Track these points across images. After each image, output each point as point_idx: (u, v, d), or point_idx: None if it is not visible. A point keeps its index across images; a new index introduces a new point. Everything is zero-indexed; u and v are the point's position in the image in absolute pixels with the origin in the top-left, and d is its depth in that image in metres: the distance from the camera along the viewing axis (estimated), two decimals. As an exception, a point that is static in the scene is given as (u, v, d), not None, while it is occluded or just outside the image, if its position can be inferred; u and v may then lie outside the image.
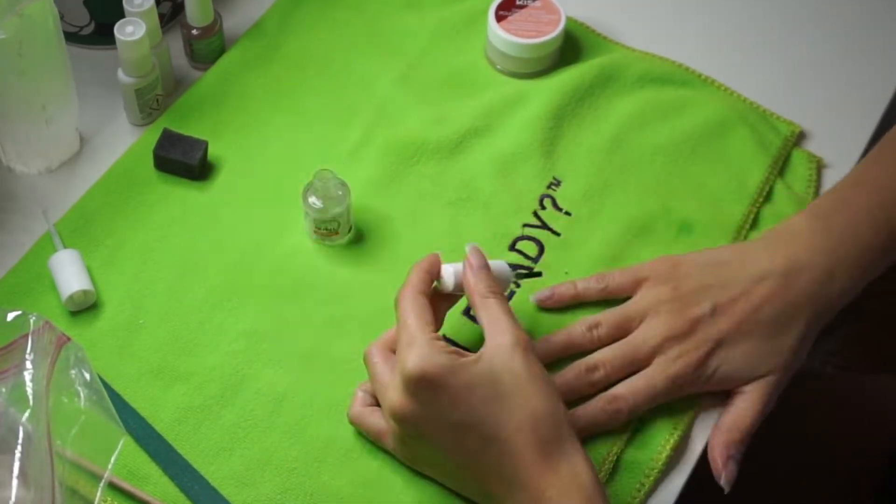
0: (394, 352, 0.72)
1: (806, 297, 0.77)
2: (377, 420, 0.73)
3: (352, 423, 0.75)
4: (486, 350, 0.68)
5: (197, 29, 0.92)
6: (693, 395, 0.78)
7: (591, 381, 0.76)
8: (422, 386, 0.67)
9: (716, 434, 0.76)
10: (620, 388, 0.76)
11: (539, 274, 0.81)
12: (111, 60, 0.91)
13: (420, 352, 0.67)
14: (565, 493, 0.66)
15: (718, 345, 0.76)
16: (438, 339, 0.69)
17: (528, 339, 0.69)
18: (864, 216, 0.79)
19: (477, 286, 0.72)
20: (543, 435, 0.67)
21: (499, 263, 0.76)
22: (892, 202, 0.80)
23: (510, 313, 0.70)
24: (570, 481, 0.66)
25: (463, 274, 0.73)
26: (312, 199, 0.81)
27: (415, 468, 0.74)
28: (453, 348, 0.68)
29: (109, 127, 0.91)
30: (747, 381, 0.77)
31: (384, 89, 0.93)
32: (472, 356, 0.68)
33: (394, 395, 0.69)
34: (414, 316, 0.70)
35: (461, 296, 0.75)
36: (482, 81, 0.94)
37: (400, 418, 0.69)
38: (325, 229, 0.82)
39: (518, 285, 0.83)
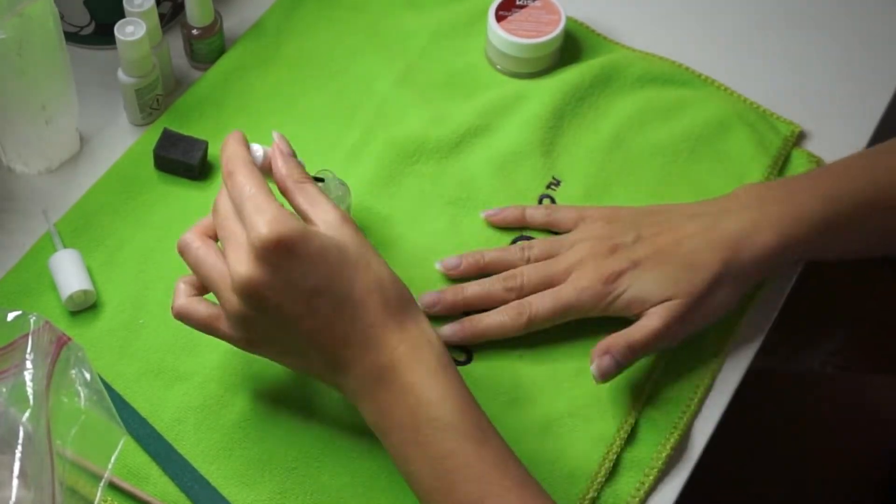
0: (212, 238, 0.71)
1: (727, 239, 0.79)
2: (205, 308, 0.71)
3: (177, 316, 0.72)
4: (319, 228, 0.69)
5: (197, 29, 0.92)
6: (686, 392, 0.78)
7: (507, 287, 0.79)
8: (279, 251, 0.66)
9: (605, 338, 0.77)
10: (528, 297, 0.79)
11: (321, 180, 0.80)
12: (111, 60, 0.91)
13: (274, 216, 0.66)
14: (416, 348, 0.68)
15: (633, 265, 0.78)
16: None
17: (351, 217, 0.70)
18: (806, 187, 0.81)
19: (290, 172, 0.71)
20: (391, 297, 0.69)
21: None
22: (843, 184, 0.80)
23: (327, 195, 0.71)
24: (419, 338, 0.68)
25: (272, 159, 0.72)
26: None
27: (251, 351, 0.72)
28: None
29: (109, 127, 0.91)
30: (653, 305, 0.77)
31: (384, 89, 0.93)
32: (316, 227, 0.69)
33: (241, 267, 0.66)
34: (255, 183, 0.68)
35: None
36: (482, 81, 0.94)
37: (251, 290, 0.67)
38: None
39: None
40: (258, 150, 0.73)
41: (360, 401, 0.70)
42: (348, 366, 0.69)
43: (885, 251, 0.84)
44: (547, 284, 0.79)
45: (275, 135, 0.73)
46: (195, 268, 0.71)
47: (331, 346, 0.69)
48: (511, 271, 0.80)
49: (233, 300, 0.68)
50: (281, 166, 0.72)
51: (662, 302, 0.77)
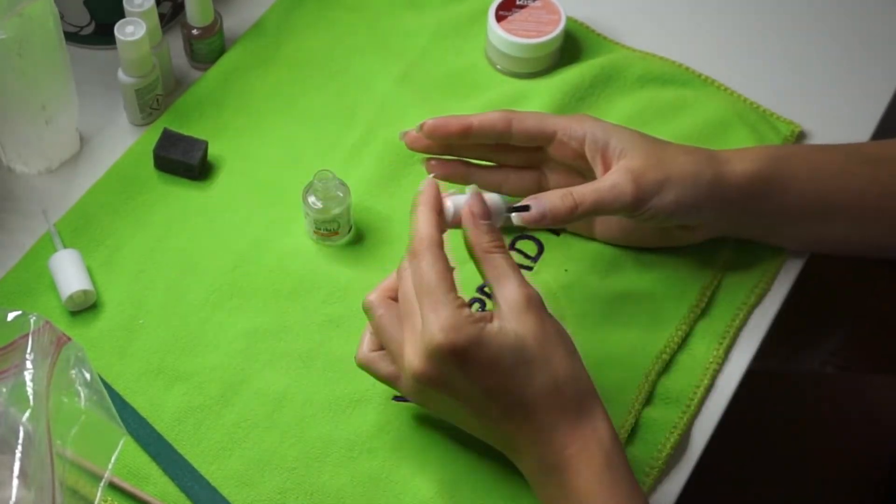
0: (394, 300, 0.71)
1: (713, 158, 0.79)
2: (388, 366, 0.72)
3: (360, 366, 0.74)
4: (502, 312, 0.68)
5: (197, 29, 0.92)
6: (686, 392, 0.78)
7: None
8: (449, 358, 0.66)
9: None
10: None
11: (526, 208, 0.76)
12: (111, 60, 0.91)
13: (449, 322, 0.66)
14: (585, 450, 0.67)
15: None
16: (463, 304, 0.67)
17: (538, 294, 0.69)
18: (753, 157, 0.80)
19: (479, 240, 0.70)
20: (566, 396, 0.68)
21: (493, 197, 0.73)
22: (790, 166, 0.80)
23: (516, 268, 0.69)
24: (590, 438, 0.67)
25: (464, 221, 0.71)
26: (312, 200, 0.81)
27: (429, 412, 0.74)
28: (478, 314, 0.67)
29: (109, 127, 0.91)
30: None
31: (384, 89, 0.93)
32: (495, 323, 0.67)
33: (415, 359, 0.67)
34: (437, 274, 0.67)
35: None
36: (482, 81, 0.94)
37: (422, 382, 0.68)
38: (325, 230, 0.82)
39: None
40: (450, 206, 0.71)
41: (532, 482, 0.70)
42: (518, 454, 0.70)
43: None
44: None
45: (469, 191, 0.71)
46: (377, 332, 0.72)
47: (501, 438, 0.70)
48: None
49: (409, 380, 0.69)
50: (472, 233, 0.70)
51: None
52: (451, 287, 0.67)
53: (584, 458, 0.67)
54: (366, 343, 0.74)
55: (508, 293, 0.68)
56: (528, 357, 0.67)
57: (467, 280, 0.82)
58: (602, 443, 0.67)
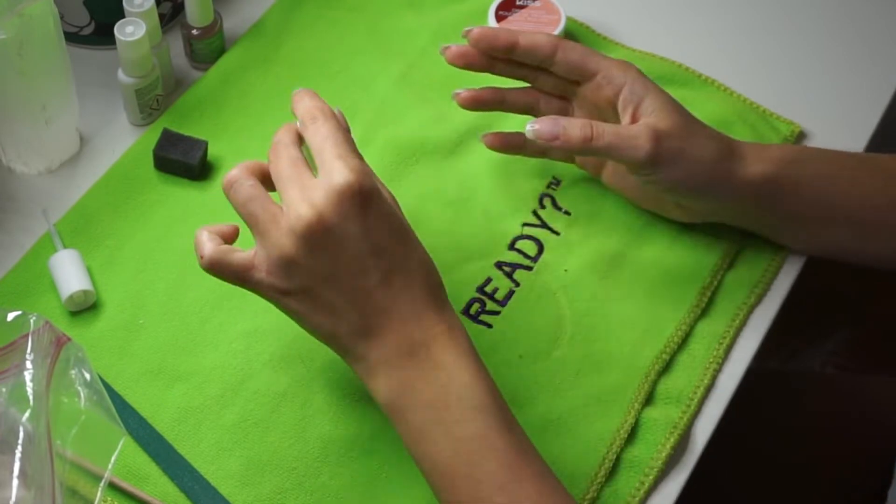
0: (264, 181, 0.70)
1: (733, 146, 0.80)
2: (240, 255, 0.69)
3: (209, 266, 0.69)
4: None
5: (197, 29, 0.92)
6: (686, 392, 0.78)
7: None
8: (356, 199, 0.66)
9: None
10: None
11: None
12: (111, 60, 0.91)
13: (360, 166, 0.67)
14: (452, 330, 0.68)
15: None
16: None
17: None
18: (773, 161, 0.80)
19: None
20: (435, 280, 0.70)
21: None
22: (805, 171, 0.81)
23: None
24: (454, 323, 0.69)
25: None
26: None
27: (282, 303, 0.69)
28: None
29: (109, 127, 0.91)
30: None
31: (384, 89, 0.93)
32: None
33: (309, 207, 0.65)
34: (344, 134, 0.69)
35: None
36: (482, 81, 0.94)
37: (316, 229, 0.66)
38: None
39: (518, 284, 0.83)
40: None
41: (380, 374, 0.68)
42: (379, 335, 0.68)
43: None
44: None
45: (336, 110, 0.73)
46: (245, 204, 0.68)
47: (370, 309, 0.68)
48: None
49: (285, 242, 0.66)
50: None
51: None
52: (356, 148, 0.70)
53: (452, 337, 0.68)
54: (206, 240, 0.70)
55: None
56: (411, 234, 0.70)
57: (467, 280, 0.83)
58: (464, 332, 0.69)
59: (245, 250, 0.69)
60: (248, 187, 0.68)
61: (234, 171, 0.70)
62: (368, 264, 0.67)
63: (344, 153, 0.67)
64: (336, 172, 0.66)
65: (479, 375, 0.68)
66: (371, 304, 0.68)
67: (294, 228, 0.66)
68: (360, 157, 0.69)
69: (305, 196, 0.66)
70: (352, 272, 0.67)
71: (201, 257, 0.70)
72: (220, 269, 0.70)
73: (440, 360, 0.67)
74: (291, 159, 0.68)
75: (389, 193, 0.71)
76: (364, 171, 0.67)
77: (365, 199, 0.66)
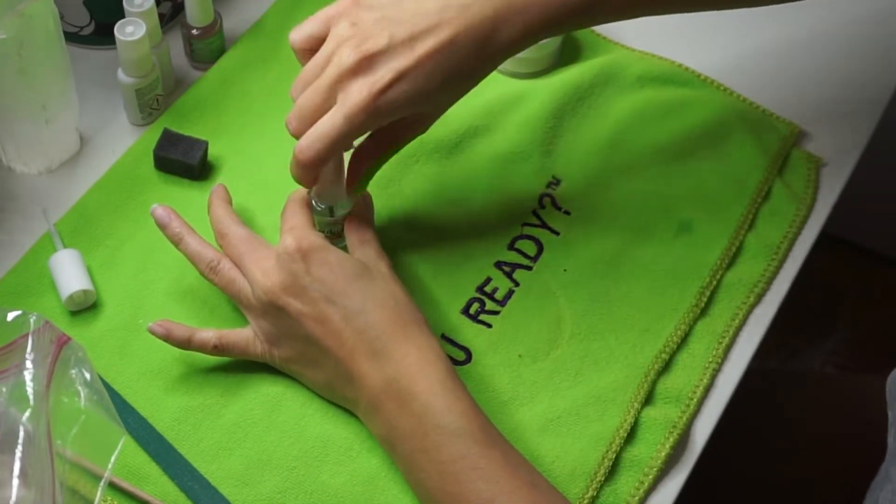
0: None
1: (480, 29, 0.72)
2: (238, 334, 0.77)
3: (218, 351, 0.77)
4: (354, 254, 0.76)
5: (197, 29, 0.92)
6: (686, 392, 0.78)
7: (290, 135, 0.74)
8: (297, 255, 0.72)
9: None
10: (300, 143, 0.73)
11: None
12: (111, 60, 0.91)
13: (301, 230, 0.74)
14: (422, 360, 0.70)
15: (397, 77, 0.71)
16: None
17: (376, 238, 0.77)
18: None
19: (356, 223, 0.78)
20: (403, 312, 0.72)
21: None
22: None
23: (375, 236, 0.78)
24: (426, 350, 0.71)
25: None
26: (316, 202, 0.81)
27: (284, 365, 0.76)
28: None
29: (109, 127, 0.91)
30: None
31: (384, 89, 0.93)
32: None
33: (262, 277, 0.73)
34: (301, 214, 0.76)
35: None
36: (482, 81, 0.94)
37: (271, 296, 0.73)
38: (330, 231, 0.81)
39: (517, 284, 0.83)
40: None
41: (371, 415, 0.72)
42: (360, 378, 0.72)
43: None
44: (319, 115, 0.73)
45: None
46: (227, 286, 0.76)
47: (342, 357, 0.72)
48: (289, 116, 0.75)
49: (258, 314, 0.74)
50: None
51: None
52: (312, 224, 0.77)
53: (423, 367, 0.70)
54: (208, 335, 0.76)
55: (367, 248, 0.76)
56: (370, 277, 0.73)
57: (466, 279, 0.83)
58: (440, 357, 0.71)
59: (244, 328, 0.77)
60: (228, 270, 0.76)
61: (213, 256, 0.77)
62: (325, 312, 0.72)
63: (290, 225, 0.75)
64: (281, 243, 0.74)
65: (453, 400, 0.69)
66: (339, 350, 0.72)
67: (261, 301, 0.74)
68: (302, 224, 0.75)
69: (262, 269, 0.74)
70: (315, 323, 0.72)
71: (214, 347, 0.76)
72: (229, 350, 0.77)
73: (413, 392, 0.70)
74: (239, 239, 0.76)
75: (363, 233, 0.77)
76: (305, 234, 0.74)
77: (305, 253, 0.73)
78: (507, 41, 0.73)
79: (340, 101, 0.71)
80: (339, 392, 0.74)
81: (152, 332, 0.76)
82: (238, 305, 0.77)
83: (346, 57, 0.71)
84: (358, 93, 0.70)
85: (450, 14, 0.72)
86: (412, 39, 0.71)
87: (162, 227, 0.78)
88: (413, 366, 0.70)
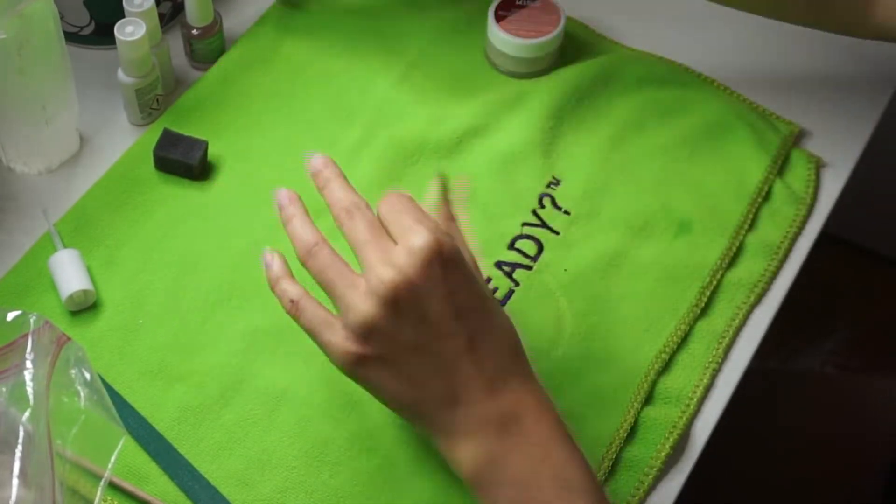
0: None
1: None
2: (323, 310, 0.66)
3: (295, 307, 0.66)
4: None
5: (197, 29, 0.92)
6: (686, 392, 0.78)
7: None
8: (437, 259, 0.62)
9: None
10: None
11: None
12: (111, 60, 0.91)
13: (438, 227, 0.63)
14: (542, 403, 0.65)
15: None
16: None
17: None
18: None
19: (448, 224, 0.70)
20: (519, 346, 0.66)
21: None
22: None
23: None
24: (543, 393, 0.65)
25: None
26: None
27: (355, 372, 0.66)
28: None
29: (109, 127, 0.91)
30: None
31: (384, 89, 0.93)
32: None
33: (391, 268, 0.62)
34: (412, 204, 0.65)
35: None
36: (482, 81, 0.94)
37: (402, 290, 0.62)
38: None
39: (517, 284, 0.83)
40: None
41: (465, 445, 0.64)
42: (466, 403, 0.64)
43: None
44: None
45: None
46: (322, 271, 0.65)
47: (456, 377, 0.64)
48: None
49: (365, 306, 0.63)
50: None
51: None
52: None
53: (543, 409, 0.64)
54: (296, 290, 0.67)
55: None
56: (489, 291, 0.66)
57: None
58: (550, 399, 0.66)
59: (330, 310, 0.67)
60: (326, 255, 0.66)
61: (309, 236, 0.67)
62: (453, 328, 0.63)
63: (422, 217, 0.64)
64: (417, 235, 0.63)
65: (575, 453, 0.64)
66: (456, 371, 0.64)
67: (376, 291, 0.63)
68: (436, 221, 0.65)
69: (386, 259, 0.63)
70: (436, 337, 0.63)
71: (291, 301, 0.67)
72: (303, 313, 0.66)
73: (534, 435, 0.63)
74: (368, 222, 0.65)
75: (471, 255, 0.68)
76: (444, 233, 0.64)
77: (447, 260, 0.63)
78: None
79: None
80: (425, 412, 0.65)
81: (263, 257, 0.68)
82: (331, 294, 0.65)
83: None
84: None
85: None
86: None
87: (280, 207, 0.69)
88: (533, 407, 0.64)
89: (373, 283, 0.63)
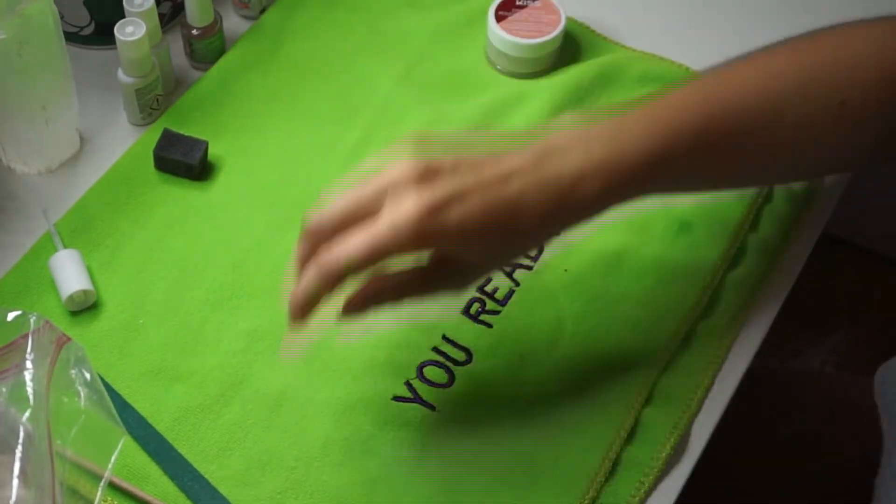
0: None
1: (554, 186, 0.68)
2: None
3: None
4: None
5: (197, 29, 0.92)
6: (686, 392, 0.78)
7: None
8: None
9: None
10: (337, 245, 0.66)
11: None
12: (111, 60, 0.91)
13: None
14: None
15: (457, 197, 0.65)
16: None
17: None
18: (633, 126, 0.70)
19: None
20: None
21: None
22: (672, 121, 0.70)
23: None
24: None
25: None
26: None
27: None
28: None
29: (109, 127, 0.91)
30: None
31: (384, 89, 0.93)
32: None
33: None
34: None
35: None
36: (482, 81, 0.94)
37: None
38: None
39: (518, 284, 0.83)
40: None
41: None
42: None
43: (728, 186, 0.80)
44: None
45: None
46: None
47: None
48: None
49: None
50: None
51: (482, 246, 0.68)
52: None
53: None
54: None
55: None
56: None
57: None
58: None
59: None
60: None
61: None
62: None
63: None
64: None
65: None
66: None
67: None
68: None
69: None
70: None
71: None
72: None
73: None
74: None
75: None
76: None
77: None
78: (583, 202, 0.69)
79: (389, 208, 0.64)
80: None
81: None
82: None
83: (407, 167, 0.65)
84: (410, 201, 0.64)
85: (524, 158, 0.67)
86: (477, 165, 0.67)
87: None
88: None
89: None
